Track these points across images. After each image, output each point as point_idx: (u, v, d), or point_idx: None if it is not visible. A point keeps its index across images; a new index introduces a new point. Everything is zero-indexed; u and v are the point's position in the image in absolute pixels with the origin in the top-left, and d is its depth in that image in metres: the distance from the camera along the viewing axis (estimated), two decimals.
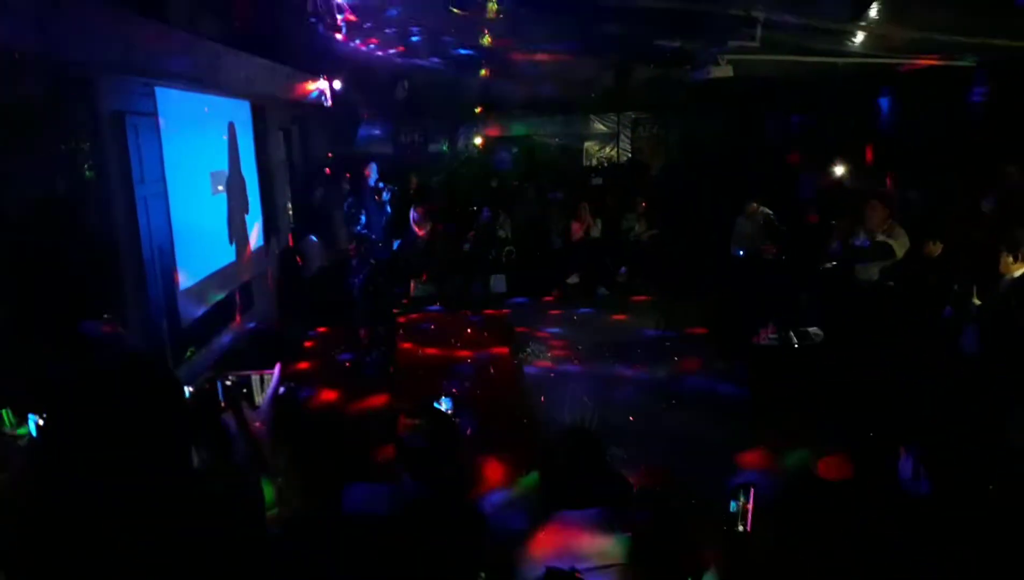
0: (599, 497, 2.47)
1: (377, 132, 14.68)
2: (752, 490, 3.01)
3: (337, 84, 10.08)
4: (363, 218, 10.63)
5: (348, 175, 11.32)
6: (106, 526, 1.47)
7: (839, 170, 10.43)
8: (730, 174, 11.42)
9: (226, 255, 7.36)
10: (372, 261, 7.65)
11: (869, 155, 10.78)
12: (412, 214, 10.90)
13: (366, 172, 10.98)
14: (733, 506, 3.00)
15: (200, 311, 6.52)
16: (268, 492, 1.83)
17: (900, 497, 4.34)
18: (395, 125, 14.87)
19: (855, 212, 7.11)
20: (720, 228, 9.62)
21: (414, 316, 9.57)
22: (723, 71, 7.99)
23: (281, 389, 1.82)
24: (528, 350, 8.03)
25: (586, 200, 11.38)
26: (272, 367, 2.27)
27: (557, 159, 15.26)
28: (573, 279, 10.88)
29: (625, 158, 15.68)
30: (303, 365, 7.73)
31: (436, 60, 9.73)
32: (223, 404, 1.77)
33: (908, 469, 4.34)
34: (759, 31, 6.53)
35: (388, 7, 7.10)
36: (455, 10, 6.14)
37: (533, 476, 2.64)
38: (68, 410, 1.52)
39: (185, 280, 6.12)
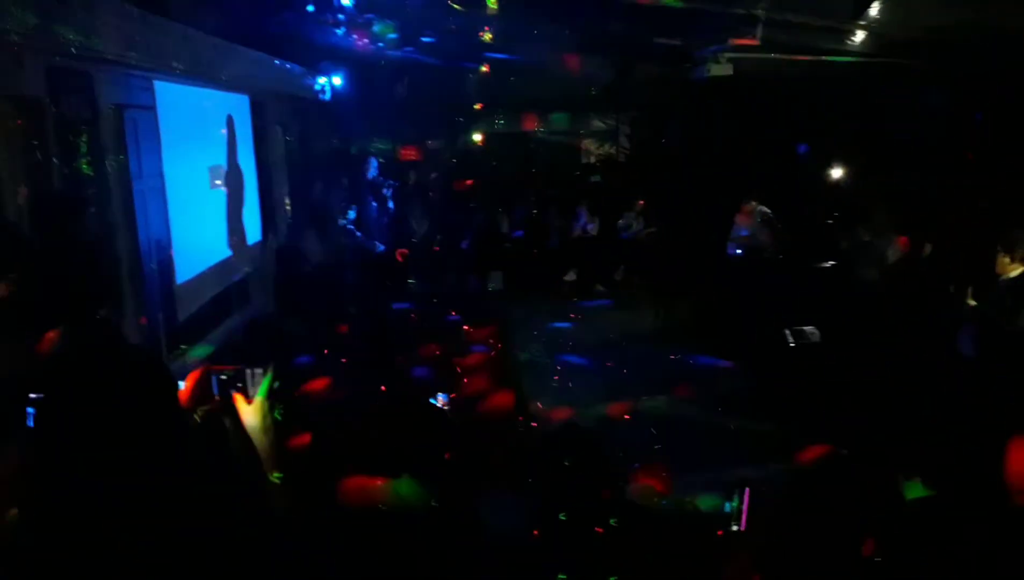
0: (594, 495, 2.47)
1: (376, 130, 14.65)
2: (747, 490, 3.01)
3: (336, 80, 10.06)
4: (351, 214, 10.42)
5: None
6: (103, 525, 1.47)
7: (839, 170, 10.42)
8: (729, 173, 11.39)
9: (224, 250, 7.35)
10: (359, 258, 7.54)
11: (869, 155, 10.76)
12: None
13: (366, 168, 10.95)
14: (728, 506, 2.99)
15: (197, 305, 6.51)
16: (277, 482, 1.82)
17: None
18: (394, 122, 14.83)
19: (855, 212, 7.11)
20: (718, 227, 9.61)
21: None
22: (723, 69, 7.99)
23: (275, 384, 1.81)
24: (527, 349, 8.02)
25: (584, 198, 11.38)
26: (269, 362, 2.26)
27: (555, 157, 15.22)
28: (570, 276, 10.88)
29: (624, 156, 15.64)
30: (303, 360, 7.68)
31: (436, 58, 9.72)
32: (217, 398, 1.76)
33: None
34: (759, 30, 6.54)
35: (389, 4, 7.10)
36: (456, 5, 6.14)
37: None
38: (62, 405, 1.52)
39: (182, 274, 6.11)
